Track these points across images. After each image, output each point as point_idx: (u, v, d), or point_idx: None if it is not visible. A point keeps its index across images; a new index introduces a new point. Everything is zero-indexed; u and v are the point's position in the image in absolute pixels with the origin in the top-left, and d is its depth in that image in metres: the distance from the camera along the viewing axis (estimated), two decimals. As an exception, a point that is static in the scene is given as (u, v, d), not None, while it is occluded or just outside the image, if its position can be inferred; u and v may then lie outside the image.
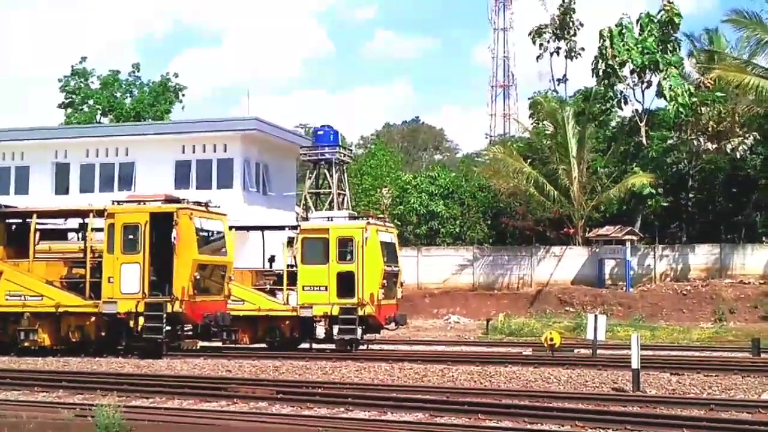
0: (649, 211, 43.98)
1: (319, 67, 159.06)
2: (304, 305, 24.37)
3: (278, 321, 25.08)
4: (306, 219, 33.50)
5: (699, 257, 42.07)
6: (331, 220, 25.56)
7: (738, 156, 42.98)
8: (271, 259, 26.98)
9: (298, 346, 25.51)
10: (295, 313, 24.58)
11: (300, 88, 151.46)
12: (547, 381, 17.32)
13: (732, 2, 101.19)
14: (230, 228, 24.62)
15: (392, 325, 25.29)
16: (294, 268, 24.96)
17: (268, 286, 25.85)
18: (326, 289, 24.17)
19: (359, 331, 24.02)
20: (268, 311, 24.96)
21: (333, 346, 24.74)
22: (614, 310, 37.19)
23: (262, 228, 27.90)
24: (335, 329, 24.49)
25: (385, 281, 24.29)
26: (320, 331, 25.65)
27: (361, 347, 24.68)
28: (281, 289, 25.03)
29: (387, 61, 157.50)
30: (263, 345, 25.44)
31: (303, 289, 24.42)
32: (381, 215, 28.85)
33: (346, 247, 24.21)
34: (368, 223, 24.42)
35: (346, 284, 23.96)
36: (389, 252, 25.14)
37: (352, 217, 25.91)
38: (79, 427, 11.16)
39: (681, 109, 41.31)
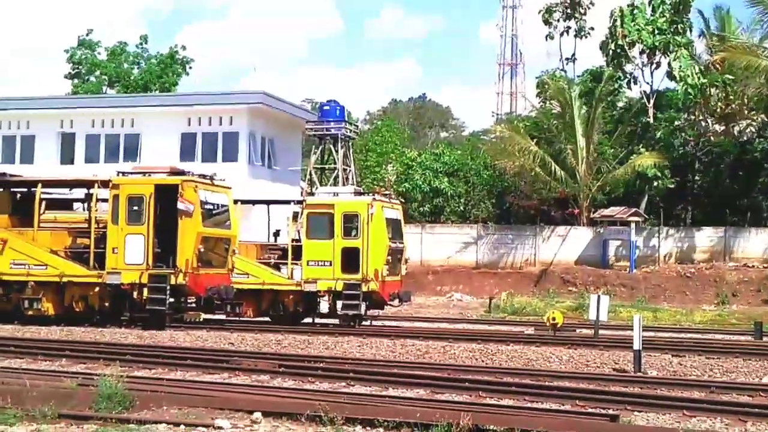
0: (655, 193, 43.88)
1: (327, 44, 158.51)
2: (308, 280, 24.38)
3: (282, 295, 25.12)
4: (311, 194, 33.46)
5: (703, 240, 42.01)
6: (337, 195, 25.51)
7: (745, 139, 42.85)
8: (276, 234, 26.99)
9: (302, 321, 25.57)
10: (299, 288, 24.59)
11: (306, 65, 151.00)
12: (549, 360, 17.35)
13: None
14: (235, 202, 24.61)
15: (396, 302, 25.30)
16: (299, 243, 24.97)
17: (272, 260, 25.86)
18: (331, 265, 24.16)
19: (363, 306, 24.05)
20: (273, 285, 24.99)
21: (336, 322, 24.80)
22: (617, 291, 37.21)
23: (268, 202, 27.89)
24: (339, 304, 24.52)
25: (389, 257, 24.27)
26: (324, 306, 25.71)
27: (364, 323, 24.72)
28: (286, 264, 25.05)
29: (394, 39, 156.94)
30: (267, 319, 25.51)
31: (308, 264, 24.41)
32: (387, 192, 28.78)
33: (351, 222, 24.18)
34: (374, 199, 24.38)
35: (350, 260, 23.95)
36: (394, 228, 25.11)
37: (357, 193, 25.86)
38: (81, 395, 11.19)
39: (690, 91, 41.09)
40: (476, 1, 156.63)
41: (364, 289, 23.82)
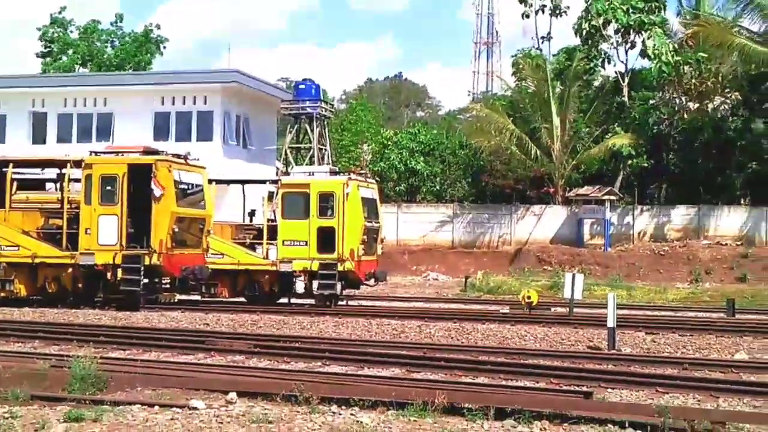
0: (629, 172, 44.12)
1: (305, 20, 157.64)
2: (283, 260, 24.32)
3: (258, 275, 25.05)
4: (287, 174, 33.33)
5: (677, 218, 42.32)
6: (312, 175, 25.41)
7: (719, 116, 43.10)
8: (252, 213, 26.88)
9: (277, 301, 25.53)
10: (274, 268, 24.52)
11: (285, 42, 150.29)
12: (524, 338, 17.42)
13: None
14: (210, 181, 24.46)
15: (372, 281, 25.31)
16: (274, 223, 24.88)
17: (248, 241, 25.78)
18: (306, 244, 24.09)
19: (339, 286, 24.02)
20: (248, 265, 24.92)
21: (312, 302, 24.77)
22: (592, 270, 37.43)
23: (243, 182, 27.74)
24: (315, 284, 24.49)
25: (365, 237, 24.25)
26: (300, 286, 25.65)
27: (340, 303, 24.72)
28: (261, 244, 24.97)
29: (373, 14, 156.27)
30: (242, 299, 25.44)
31: (283, 244, 24.34)
32: (362, 171, 28.71)
33: (326, 202, 24.10)
34: (349, 179, 24.30)
35: (326, 240, 23.89)
36: (370, 208, 25.07)
37: (333, 173, 25.76)
38: (55, 377, 11.10)
39: (664, 68, 41.27)
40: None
41: (340, 268, 23.78)
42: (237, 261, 24.87)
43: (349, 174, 25.19)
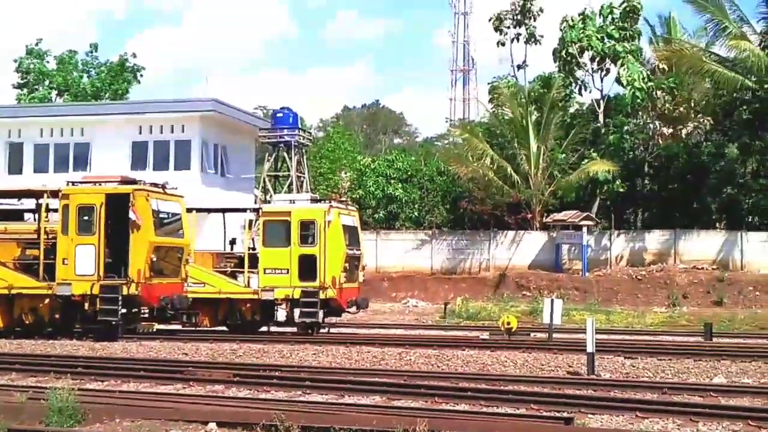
0: (606, 197, 44.43)
1: (281, 47, 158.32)
2: (265, 288, 24.23)
3: (239, 304, 24.95)
4: (266, 201, 33.30)
5: (653, 242, 42.57)
6: (293, 203, 25.40)
7: (693, 141, 43.58)
8: (233, 242, 26.81)
9: (259, 330, 25.39)
10: (256, 296, 24.44)
11: (262, 70, 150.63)
12: (504, 364, 17.44)
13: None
14: (190, 210, 24.40)
15: (354, 309, 25.26)
16: (255, 251, 24.81)
17: (229, 269, 25.66)
18: (288, 272, 24.03)
19: (321, 314, 23.96)
20: (229, 294, 24.82)
21: (294, 330, 24.66)
22: (570, 295, 37.55)
23: (223, 210, 27.69)
24: (296, 312, 24.40)
25: (347, 264, 24.22)
26: (281, 314, 25.56)
27: (322, 330, 24.63)
28: (242, 272, 24.88)
29: (349, 41, 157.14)
30: (223, 328, 25.30)
31: (264, 272, 24.27)
32: (343, 199, 28.74)
33: (308, 230, 24.07)
34: (330, 206, 24.31)
35: (307, 267, 23.84)
36: (351, 235, 25.07)
37: (314, 200, 25.75)
38: (32, 410, 11.01)
39: (638, 94, 41.82)
40: (431, 5, 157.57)
41: (322, 296, 23.75)
42: (218, 290, 24.77)
43: (330, 201, 25.21)
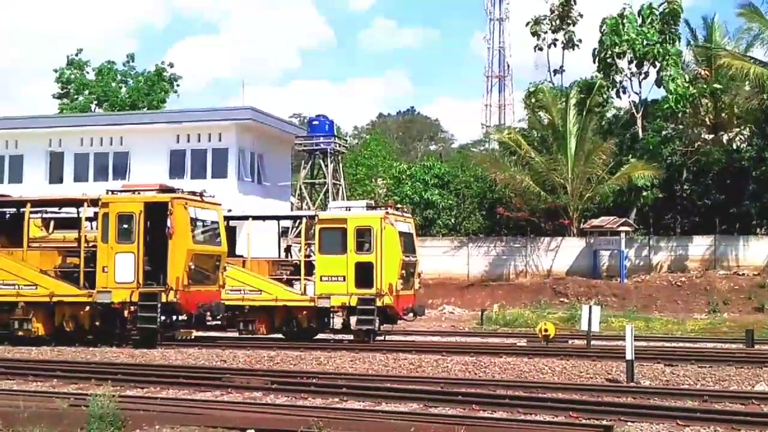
0: (645, 203, 44.01)
1: (318, 56, 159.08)
2: (321, 295, 24.19)
3: (295, 311, 24.94)
4: (300, 208, 33.39)
5: (694, 249, 42.10)
6: (349, 210, 25.31)
7: (734, 147, 43.03)
8: (288, 249, 26.80)
9: (315, 337, 25.40)
10: (312, 304, 24.41)
11: (298, 78, 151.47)
12: (541, 371, 17.34)
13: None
14: (247, 218, 24.35)
15: (410, 316, 25.15)
16: (311, 258, 24.84)
17: (285, 276, 25.67)
18: (344, 280, 23.95)
19: (377, 321, 23.93)
20: (286, 301, 24.77)
21: (350, 337, 24.64)
22: (609, 301, 37.21)
23: (278, 217, 27.65)
24: (353, 320, 24.36)
25: (403, 271, 24.12)
26: (337, 321, 25.53)
27: (378, 338, 24.57)
28: (298, 279, 24.92)
29: (385, 51, 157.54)
30: (279, 336, 25.33)
31: (321, 280, 24.26)
32: (399, 205, 28.57)
33: (364, 237, 23.98)
34: (387, 213, 24.28)
35: (364, 274, 23.75)
36: (407, 242, 24.89)
37: (370, 207, 25.58)
38: (73, 416, 11.13)
39: (679, 101, 41.37)
40: (468, 13, 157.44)
41: (379, 303, 23.66)
42: (275, 297, 24.74)
43: (386, 208, 25.15)
